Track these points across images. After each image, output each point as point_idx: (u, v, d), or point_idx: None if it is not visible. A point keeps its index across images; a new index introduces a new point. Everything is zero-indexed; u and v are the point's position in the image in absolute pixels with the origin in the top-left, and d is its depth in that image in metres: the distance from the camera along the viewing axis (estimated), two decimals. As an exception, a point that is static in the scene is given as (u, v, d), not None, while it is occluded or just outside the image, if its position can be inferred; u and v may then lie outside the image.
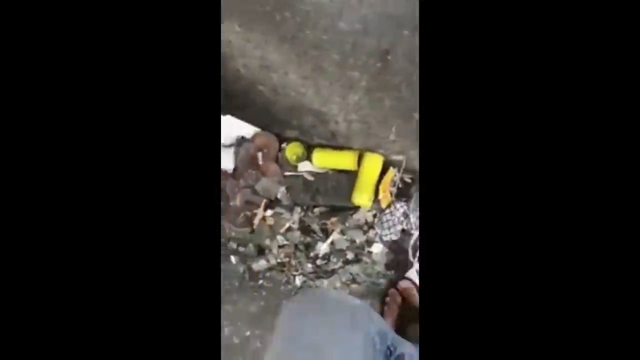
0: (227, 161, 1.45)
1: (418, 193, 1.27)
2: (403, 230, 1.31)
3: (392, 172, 1.30)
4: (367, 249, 1.36)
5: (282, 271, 1.37)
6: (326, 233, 1.38)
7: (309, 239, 1.39)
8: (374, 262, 1.36)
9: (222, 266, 1.37)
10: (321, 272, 1.37)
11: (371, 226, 1.35)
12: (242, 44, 1.05)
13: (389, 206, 1.31)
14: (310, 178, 1.42)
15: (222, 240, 1.38)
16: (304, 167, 1.43)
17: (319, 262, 1.38)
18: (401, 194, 1.31)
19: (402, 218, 1.30)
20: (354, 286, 1.35)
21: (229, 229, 1.38)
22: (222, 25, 0.99)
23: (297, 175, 1.43)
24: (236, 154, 1.45)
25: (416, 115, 1.11)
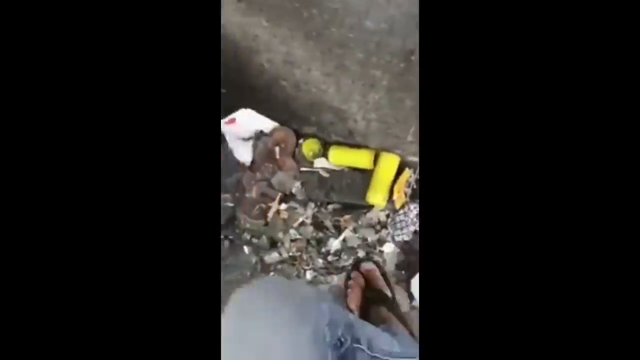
0: (246, 154, 1.48)
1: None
2: (415, 232, 1.32)
3: (407, 172, 1.31)
4: (378, 248, 1.37)
5: (293, 265, 1.39)
6: (338, 230, 1.40)
7: (321, 235, 1.41)
8: (384, 262, 1.37)
9: (235, 256, 1.39)
10: (331, 268, 1.39)
11: (384, 226, 1.36)
12: (268, 39, 1.08)
13: (402, 207, 1.32)
14: (326, 175, 1.43)
15: (237, 231, 1.41)
16: (319, 163, 1.45)
17: (329, 258, 1.39)
18: (416, 195, 1.32)
19: (415, 219, 1.30)
20: (363, 284, 1.36)
21: (244, 220, 1.40)
22: (249, 19, 1.01)
23: (313, 171, 1.45)
24: (254, 147, 1.48)
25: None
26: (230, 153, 1.49)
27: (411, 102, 1.10)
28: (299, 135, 1.46)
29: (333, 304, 0.66)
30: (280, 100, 1.33)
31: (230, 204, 1.44)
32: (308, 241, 1.41)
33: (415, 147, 1.27)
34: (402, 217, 1.31)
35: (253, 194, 1.44)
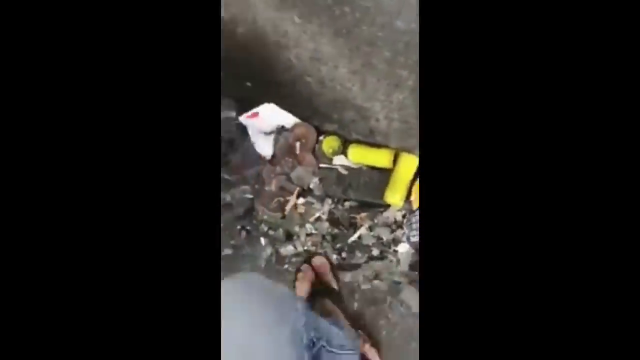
0: (267, 148, 1.50)
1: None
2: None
3: (426, 174, 1.32)
4: (393, 247, 1.38)
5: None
6: (354, 227, 1.41)
7: (336, 231, 1.42)
8: (398, 262, 1.37)
9: (252, 247, 1.42)
10: (345, 265, 1.40)
11: (400, 225, 1.37)
12: (297, 35, 1.10)
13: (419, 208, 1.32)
14: (344, 172, 1.45)
15: (254, 222, 1.44)
16: (339, 160, 1.47)
17: (344, 254, 1.41)
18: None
19: (432, 220, 1.31)
20: (376, 282, 1.37)
21: (262, 212, 1.43)
22: (282, 15, 1.04)
23: (332, 168, 1.47)
24: (275, 141, 1.50)
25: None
26: (251, 146, 1.52)
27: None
28: (320, 131, 1.48)
29: (305, 305, 0.66)
30: (304, 96, 1.35)
31: (250, 196, 1.47)
32: (323, 237, 1.43)
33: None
34: (418, 218, 1.32)
35: (272, 187, 1.46)
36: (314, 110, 1.42)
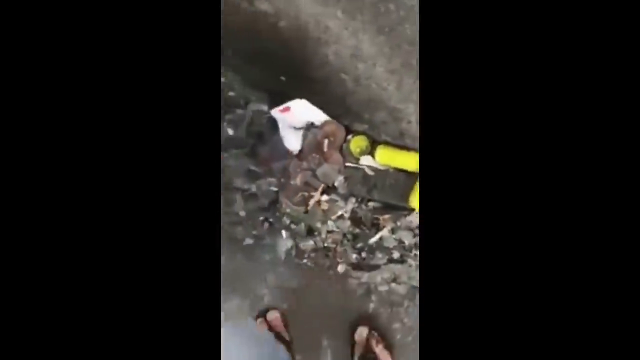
0: (295, 143, 1.52)
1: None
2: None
3: (455, 180, 1.30)
4: (414, 252, 1.36)
5: (327, 256, 1.41)
6: (376, 228, 1.41)
7: (357, 230, 1.42)
8: (418, 267, 1.36)
9: (273, 238, 1.43)
10: (364, 265, 1.39)
11: (423, 230, 1.36)
12: (338, 31, 1.12)
13: (445, 213, 1.31)
14: (371, 172, 1.45)
15: (277, 214, 1.45)
16: (365, 161, 1.47)
17: (363, 254, 1.40)
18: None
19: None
20: (393, 285, 1.36)
21: (286, 205, 1.44)
22: (325, 10, 1.06)
23: (358, 168, 1.47)
24: (304, 137, 1.52)
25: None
26: (280, 140, 1.54)
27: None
28: (349, 130, 1.49)
29: (285, 350, 0.72)
30: (337, 94, 1.37)
31: (275, 189, 1.48)
32: (344, 235, 1.42)
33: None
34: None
35: (297, 181, 1.47)
36: (345, 108, 1.43)
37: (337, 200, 1.45)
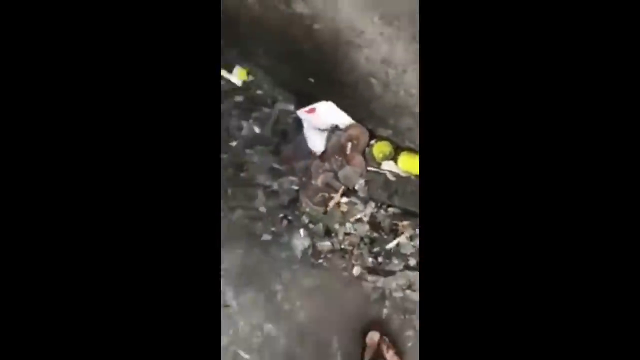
0: (319, 144, 1.54)
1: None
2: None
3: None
4: (431, 260, 1.36)
5: (343, 257, 1.42)
6: (395, 234, 1.41)
7: (375, 235, 1.42)
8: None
9: (289, 236, 1.45)
10: (379, 270, 1.39)
11: (441, 239, 1.35)
12: (373, 37, 1.14)
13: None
14: (392, 178, 1.46)
15: (297, 213, 1.47)
16: (387, 166, 1.48)
17: (380, 259, 1.40)
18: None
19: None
20: (408, 292, 1.36)
21: (306, 204, 1.46)
22: (362, 14, 1.08)
23: (380, 173, 1.48)
24: (328, 139, 1.54)
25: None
26: (304, 140, 1.56)
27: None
28: (373, 135, 1.50)
29: None
30: (364, 98, 1.38)
31: (296, 187, 1.50)
32: (362, 238, 1.43)
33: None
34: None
35: (319, 182, 1.49)
36: (370, 113, 1.44)
37: (356, 203, 1.46)
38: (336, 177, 1.49)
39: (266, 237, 1.45)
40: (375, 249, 1.41)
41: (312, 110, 1.54)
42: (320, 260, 1.42)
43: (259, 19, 1.32)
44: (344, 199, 1.47)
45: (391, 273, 1.38)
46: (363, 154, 1.50)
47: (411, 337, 1.30)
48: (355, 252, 1.42)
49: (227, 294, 1.37)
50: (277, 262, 1.41)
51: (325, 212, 1.46)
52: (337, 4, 1.11)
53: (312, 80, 1.48)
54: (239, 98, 1.64)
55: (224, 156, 1.55)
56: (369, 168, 1.48)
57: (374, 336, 1.27)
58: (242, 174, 1.54)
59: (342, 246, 1.43)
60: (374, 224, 1.43)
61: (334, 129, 1.54)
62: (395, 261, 1.38)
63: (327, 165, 1.51)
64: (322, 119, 1.55)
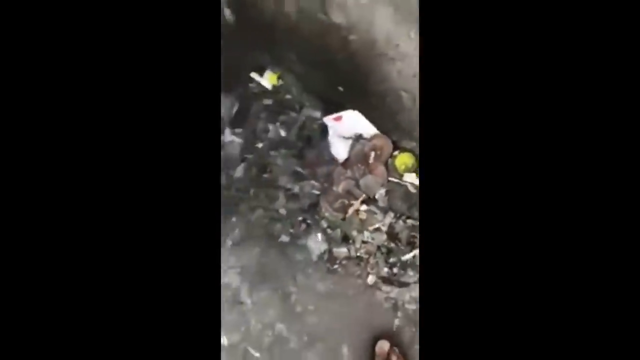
0: (342, 151, 1.57)
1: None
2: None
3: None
4: (447, 275, 1.36)
5: (359, 265, 1.43)
6: (412, 246, 1.41)
7: (392, 245, 1.43)
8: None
9: (307, 240, 1.46)
10: (394, 280, 1.40)
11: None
12: (407, 50, 1.16)
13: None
14: (413, 190, 1.47)
15: (316, 217, 1.49)
16: (409, 178, 1.49)
17: (395, 269, 1.41)
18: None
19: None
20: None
21: (325, 209, 1.48)
22: (399, 28, 1.11)
23: (401, 184, 1.49)
24: (352, 147, 1.56)
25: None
26: (328, 147, 1.59)
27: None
28: (397, 146, 1.52)
29: None
30: (392, 109, 1.41)
31: (317, 192, 1.52)
32: (378, 247, 1.44)
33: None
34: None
35: (339, 188, 1.51)
36: (396, 125, 1.46)
37: (376, 213, 1.47)
38: (357, 185, 1.51)
39: (284, 238, 1.47)
40: (392, 260, 1.42)
41: (339, 118, 1.57)
42: (336, 266, 1.43)
43: (296, 26, 1.36)
44: (364, 207, 1.49)
45: (405, 285, 1.38)
46: (385, 164, 1.52)
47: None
48: (371, 260, 1.43)
49: (242, 291, 1.40)
50: (293, 264, 1.43)
51: (344, 219, 1.48)
52: (374, 16, 1.14)
53: (341, 89, 1.51)
54: (267, 101, 1.68)
55: (249, 157, 1.59)
56: (390, 178, 1.50)
57: (384, 345, 1.27)
58: (265, 175, 1.57)
59: (359, 254, 1.44)
60: (391, 234, 1.44)
61: (359, 137, 1.57)
62: (411, 273, 1.39)
63: (349, 172, 1.53)
64: (348, 127, 1.58)
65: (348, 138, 1.58)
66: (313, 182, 1.54)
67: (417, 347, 1.31)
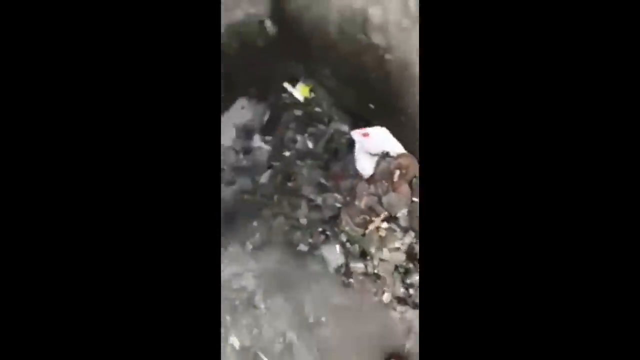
0: (368, 167, 1.58)
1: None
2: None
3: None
4: (464, 301, 1.34)
5: (375, 282, 1.42)
6: (430, 268, 1.40)
7: (410, 266, 1.42)
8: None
9: (326, 251, 1.47)
10: (410, 301, 1.38)
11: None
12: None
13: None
14: (436, 212, 1.46)
15: (336, 229, 1.50)
16: (432, 200, 1.49)
17: (411, 291, 1.40)
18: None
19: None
20: (436, 330, 1.33)
21: (346, 223, 1.49)
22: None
23: (424, 205, 1.49)
24: (377, 164, 1.58)
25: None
26: (354, 161, 1.61)
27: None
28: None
29: None
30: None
31: (339, 205, 1.54)
32: (396, 267, 1.43)
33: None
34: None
35: (362, 203, 1.52)
36: (424, 146, 1.47)
37: (396, 231, 1.47)
38: (380, 202, 1.52)
39: (302, 247, 1.49)
40: (408, 280, 1.41)
41: (366, 134, 1.59)
42: (352, 281, 1.43)
43: (334, 44, 1.41)
44: (385, 225, 1.49)
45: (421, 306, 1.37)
46: (410, 184, 1.52)
47: (432, 377, 1.27)
48: (388, 279, 1.42)
49: (257, 296, 1.41)
50: (309, 274, 1.44)
51: (364, 235, 1.48)
52: (413, 39, 1.17)
53: (372, 106, 1.54)
54: (298, 112, 1.72)
55: (275, 164, 1.62)
56: (414, 199, 1.50)
57: None
58: (289, 184, 1.60)
59: (376, 271, 1.44)
60: (410, 254, 1.44)
61: (385, 155, 1.58)
62: (427, 296, 1.37)
63: (372, 188, 1.54)
64: (375, 143, 1.59)
65: (374, 155, 1.60)
66: (336, 194, 1.55)
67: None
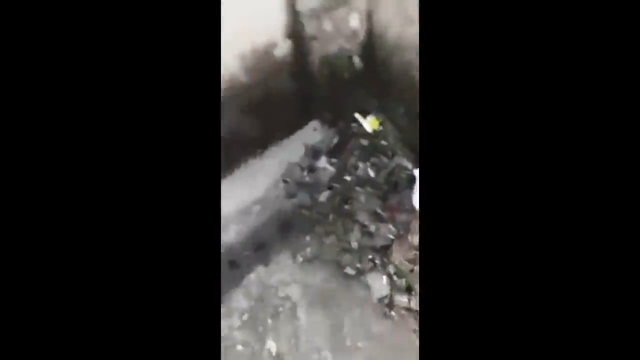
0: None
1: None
2: None
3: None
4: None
5: (416, 319, 1.43)
6: (475, 317, 1.39)
7: (454, 311, 1.42)
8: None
9: (372, 280, 1.51)
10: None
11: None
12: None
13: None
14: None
15: (385, 260, 1.53)
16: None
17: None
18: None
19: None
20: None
21: (396, 257, 1.52)
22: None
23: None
24: (435, 204, 1.61)
25: None
26: (411, 196, 1.66)
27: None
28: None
29: None
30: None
31: (392, 237, 1.58)
32: (440, 308, 1.43)
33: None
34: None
35: (414, 240, 1.55)
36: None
37: (444, 273, 1.48)
38: (432, 242, 1.54)
39: (350, 270, 1.53)
40: (450, 325, 1.40)
41: (428, 174, 1.64)
42: (393, 313, 1.45)
43: (414, 85, 1.50)
44: (434, 265, 1.50)
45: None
46: (465, 229, 1.54)
47: None
48: (429, 319, 1.42)
49: (299, 307, 1.46)
50: (353, 297, 1.48)
51: (412, 271, 1.51)
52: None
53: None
54: (364, 142, 1.82)
55: (336, 186, 1.71)
56: (466, 245, 1.51)
57: None
58: (346, 206, 1.67)
59: (418, 308, 1.45)
60: (456, 299, 1.44)
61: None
62: (468, 345, 1.36)
63: (427, 227, 1.58)
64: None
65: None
66: (390, 226, 1.60)
67: None
